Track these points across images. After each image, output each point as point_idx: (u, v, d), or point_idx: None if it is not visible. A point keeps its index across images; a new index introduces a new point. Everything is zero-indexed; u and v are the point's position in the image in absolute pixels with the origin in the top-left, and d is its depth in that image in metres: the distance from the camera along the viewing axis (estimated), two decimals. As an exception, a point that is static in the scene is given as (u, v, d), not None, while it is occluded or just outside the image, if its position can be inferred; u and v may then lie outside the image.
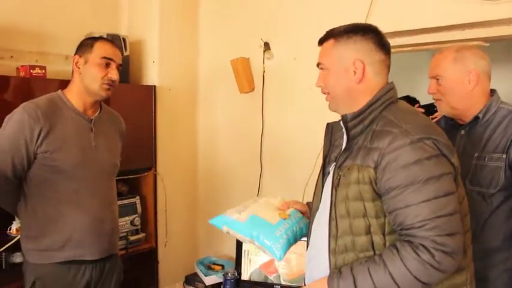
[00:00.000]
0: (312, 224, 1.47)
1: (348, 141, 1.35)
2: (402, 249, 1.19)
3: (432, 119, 2.62)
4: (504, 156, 1.60)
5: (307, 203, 1.67)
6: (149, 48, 3.02)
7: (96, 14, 2.97)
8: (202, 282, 2.78)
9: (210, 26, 3.23)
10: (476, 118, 1.70)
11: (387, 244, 1.25)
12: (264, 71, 2.90)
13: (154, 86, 2.96)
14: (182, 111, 3.20)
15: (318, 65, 1.44)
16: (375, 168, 1.24)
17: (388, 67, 1.39)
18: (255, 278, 2.70)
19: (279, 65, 2.86)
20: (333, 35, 1.39)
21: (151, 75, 3.01)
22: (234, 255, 2.85)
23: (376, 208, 1.25)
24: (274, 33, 2.85)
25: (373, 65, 1.34)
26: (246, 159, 3.05)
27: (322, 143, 1.53)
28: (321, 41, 1.43)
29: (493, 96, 1.72)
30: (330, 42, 1.38)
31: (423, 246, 1.16)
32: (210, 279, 2.76)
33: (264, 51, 2.87)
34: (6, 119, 1.79)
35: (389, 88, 1.36)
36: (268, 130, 2.92)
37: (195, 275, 2.89)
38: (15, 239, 2.26)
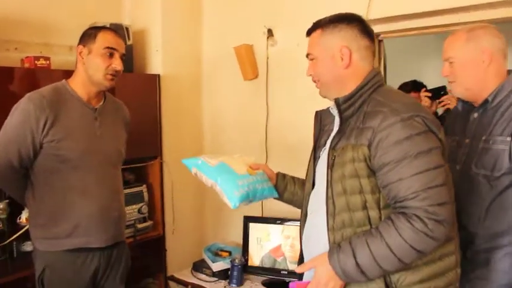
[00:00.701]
0: (307, 207, 1.54)
1: (340, 123, 1.42)
2: (397, 220, 1.26)
3: (439, 102, 2.60)
4: (509, 139, 1.57)
5: (278, 173, 1.76)
6: (152, 37, 3.02)
7: (99, 4, 2.98)
8: (209, 268, 2.81)
9: (213, 13, 3.22)
10: (486, 101, 1.68)
11: (383, 218, 1.32)
12: (267, 58, 2.89)
13: (159, 75, 2.96)
14: (187, 99, 3.21)
15: (307, 55, 1.51)
16: (369, 146, 1.31)
17: (373, 53, 1.47)
18: (266, 262, 2.74)
19: (282, 52, 2.85)
20: (319, 25, 1.46)
21: (155, 64, 3.02)
22: (240, 241, 2.88)
23: (371, 184, 1.32)
24: (277, 20, 2.83)
25: (359, 51, 1.42)
26: (251, 145, 3.05)
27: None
28: (309, 32, 1.50)
29: (507, 78, 1.66)
30: (318, 32, 1.46)
31: (416, 216, 1.24)
32: (218, 266, 2.78)
33: (268, 38, 2.86)
34: (12, 109, 1.81)
35: (376, 73, 1.44)
36: (273, 116, 2.92)
37: (203, 261, 2.92)
38: (25, 228, 2.31)
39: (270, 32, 2.84)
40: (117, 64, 1.87)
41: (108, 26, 2.60)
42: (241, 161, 1.72)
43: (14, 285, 2.24)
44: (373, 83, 1.41)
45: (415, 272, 1.32)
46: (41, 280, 1.86)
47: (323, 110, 1.58)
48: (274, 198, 1.75)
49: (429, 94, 2.64)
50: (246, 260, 2.78)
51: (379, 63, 2.73)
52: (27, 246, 2.46)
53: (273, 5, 2.86)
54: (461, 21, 2.27)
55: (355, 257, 1.29)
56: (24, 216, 2.40)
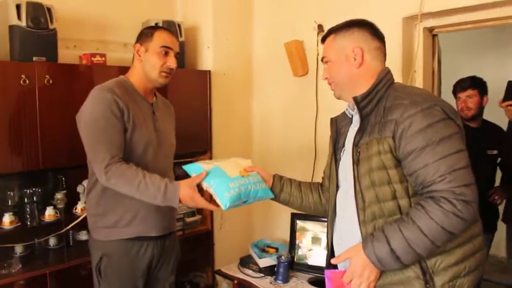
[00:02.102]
0: (335, 206, 1.61)
1: (361, 120, 1.49)
2: (426, 204, 1.32)
3: None
4: None
5: (274, 175, 1.84)
6: (204, 33, 3.07)
7: (152, 2, 3.06)
8: (256, 264, 2.82)
9: (263, 9, 3.23)
10: None
11: (412, 206, 1.38)
12: (318, 54, 2.86)
13: (209, 71, 3.01)
14: (237, 95, 3.24)
15: (322, 59, 1.61)
16: (393, 137, 1.38)
17: (384, 54, 1.56)
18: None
19: (333, 47, 2.81)
20: (332, 31, 1.57)
21: (206, 60, 3.07)
22: (288, 238, 2.87)
23: (399, 174, 1.39)
24: (328, 15, 2.80)
25: (370, 52, 1.51)
26: (300, 142, 3.04)
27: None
28: (323, 39, 1.61)
29: None
30: (331, 37, 1.57)
31: (445, 198, 1.29)
32: (264, 262, 2.79)
33: (318, 34, 2.83)
34: (85, 107, 1.84)
35: (388, 71, 1.54)
36: (323, 113, 2.89)
37: (250, 257, 2.93)
38: (81, 218, 2.41)
39: (320, 28, 2.81)
40: (172, 62, 1.94)
41: (161, 23, 2.70)
42: (235, 165, 1.81)
43: (69, 273, 2.35)
44: (386, 81, 1.50)
45: (450, 255, 1.38)
46: (99, 268, 1.92)
47: (337, 116, 1.69)
48: (271, 199, 1.82)
49: (510, 103, 2.50)
50: (293, 257, 2.78)
51: (433, 58, 2.65)
52: (83, 235, 2.57)
53: (324, 0, 2.83)
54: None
55: (389, 244, 1.33)
56: (80, 206, 2.50)
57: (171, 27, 2.70)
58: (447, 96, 2.90)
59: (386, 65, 1.56)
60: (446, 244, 1.35)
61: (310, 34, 2.88)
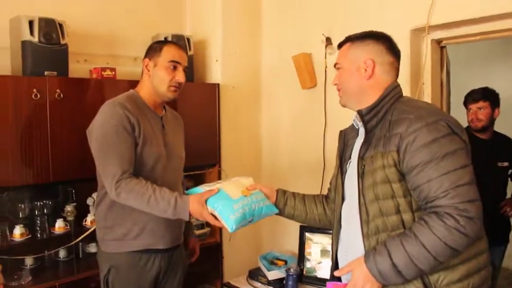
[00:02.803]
0: (340, 218, 1.61)
1: (366, 133, 1.50)
2: (429, 220, 1.31)
3: None
4: None
5: (278, 190, 1.85)
6: (212, 47, 3.10)
7: (161, 17, 3.10)
8: (265, 276, 2.80)
9: (271, 23, 3.25)
10: None
11: (416, 220, 1.38)
12: (326, 66, 2.88)
13: (218, 84, 3.03)
14: (245, 108, 3.25)
15: (335, 65, 1.62)
16: (397, 151, 1.38)
17: (397, 69, 1.56)
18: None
19: (341, 60, 2.81)
20: (350, 39, 1.59)
21: (215, 74, 3.10)
22: (296, 251, 2.86)
23: (403, 188, 1.39)
24: (336, 28, 2.81)
25: (382, 65, 1.52)
26: (308, 155, 3.04)
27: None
28: (340, 45, 1.62)
29: None
30: (347, 45, 1.58)
31: (448, 213, 1.29)
32: (273, 274, 2.77)
33: (326, 46, 2.84)
34: (96, 121, 1.85)
35: (396, 85, 1.54)
36: (331, 126, 2.89)
37: (258, 269, 2.91)
38: (91, 230, 2.42)
39: (328, 41, 2.82)
40: (180, 77, 1.94)
41: (170, 36, 2.73)
42: (238, 185, 1.81)
43: (79, 285, 2.36)
44: (394, 94, 1.50)
45: (453, 271, 1.36)
46: (106, 280, 1.93)
47: (346, 128, 1.70)
48: (276, 214, 1.83)
49: None
50: (302, 270, 2.76)
51: (442, 70, 2.64)
52: (92, 248, 2.58)
53: (332, 13, 2.85)
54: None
55: (391, 258, 1.33)
56: (89, 219, 2.52)
57: (180, 41, 2.74)
58: (456, 108, 2.89)
59: (395, 78, 1.56)
60: (449, 260, 1.34)
61: (318, 47, 2.89)
